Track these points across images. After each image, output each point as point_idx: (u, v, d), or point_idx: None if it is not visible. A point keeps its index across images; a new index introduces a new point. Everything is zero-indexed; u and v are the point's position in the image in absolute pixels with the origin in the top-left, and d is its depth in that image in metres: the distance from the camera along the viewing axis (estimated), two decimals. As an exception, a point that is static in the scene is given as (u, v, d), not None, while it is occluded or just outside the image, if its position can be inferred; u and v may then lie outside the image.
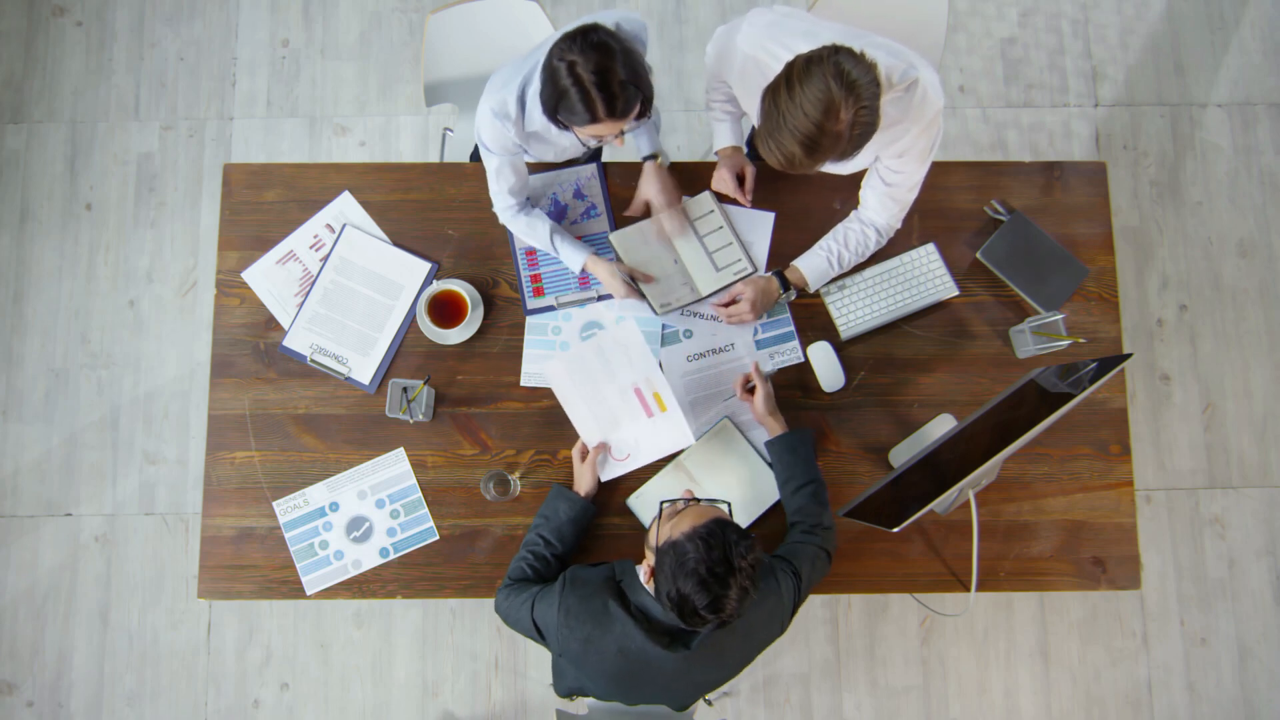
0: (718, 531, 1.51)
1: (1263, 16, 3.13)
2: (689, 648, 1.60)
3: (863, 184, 1.98)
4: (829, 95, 1.49)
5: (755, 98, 1.66)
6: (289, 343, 2.04)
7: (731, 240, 2.08)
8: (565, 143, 1.94)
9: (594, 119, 1.64)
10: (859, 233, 1.99)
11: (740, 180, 2.07)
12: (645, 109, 1.69)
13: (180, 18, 3.08)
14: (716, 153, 2.09)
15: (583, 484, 1.94)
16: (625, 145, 1.86)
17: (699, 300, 2.06)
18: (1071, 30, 3.12)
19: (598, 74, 1.59)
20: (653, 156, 2.06)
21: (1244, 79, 3.09)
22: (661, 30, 3.10)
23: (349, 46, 3.08)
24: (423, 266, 2.07)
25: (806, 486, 1.88)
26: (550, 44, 1.69)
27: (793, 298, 2.05)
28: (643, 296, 2.04)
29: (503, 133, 1.82)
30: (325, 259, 2.07)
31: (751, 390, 1.99)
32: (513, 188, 1.96)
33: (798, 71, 1.53)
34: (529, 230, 2.01)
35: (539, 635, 1.72)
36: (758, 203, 2.11)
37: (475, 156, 2.33)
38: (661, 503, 1.67)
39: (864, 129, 1.55)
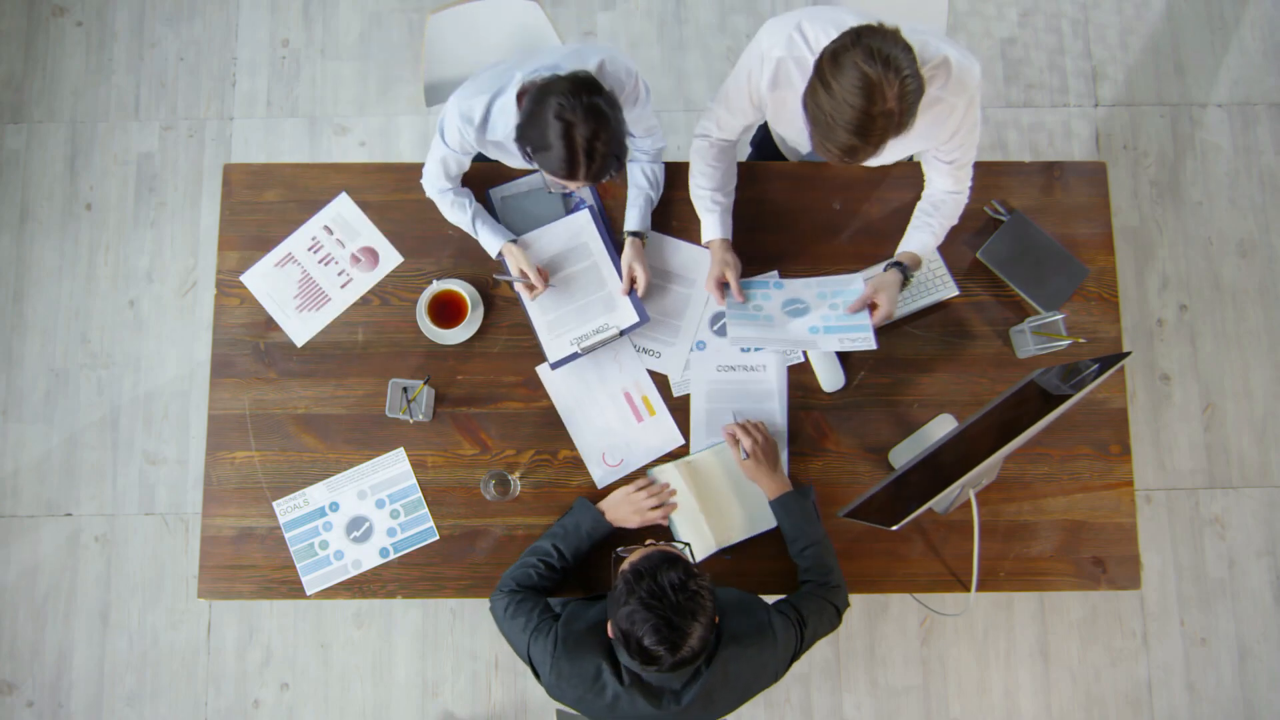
0: (658, 564, 1.49)
1: (1263, 16, 3.13)
2: (680, 703, 1.59)
3: (925, 169, 1.97)
4: (867, 79, 1.46)
5: (796, 104, 1.65)
6: (553, 357, 2.01)
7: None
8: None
9: (571, 178, 1.71)
10: (950, 202, 1.96)
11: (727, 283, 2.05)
12: (616, 172, 1.78)
13: (180, 18, 3.08)
14: (706, 244, 2.05)
15: (617, 514, 1.92)
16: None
17: (617, 335, 2.01)
18: (1071, 30, 3.12)
19: (589, 142, 1.65)
20: (637, 234, 2.03)
21: (1244, 79, 3.09)
22: (661, 30, 3.10)
23: (349, 46, 3.08)
24: (579, 214, 2.07)
25: (810, 548, 1.88)
26: (529, 68, 1.77)
27: (911, 281, 2.00)
28: (543, 287, 1.99)
29: (463, 136, 1.87)
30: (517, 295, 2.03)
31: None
32: (450, 174, 2.00)
33: (827, 66, 1.50)
34: (453, 209, 2.02)
35: (532, 668, 1.71)
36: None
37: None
38: (615, 551, 1.67)
39: (913, 95, 1.51)
